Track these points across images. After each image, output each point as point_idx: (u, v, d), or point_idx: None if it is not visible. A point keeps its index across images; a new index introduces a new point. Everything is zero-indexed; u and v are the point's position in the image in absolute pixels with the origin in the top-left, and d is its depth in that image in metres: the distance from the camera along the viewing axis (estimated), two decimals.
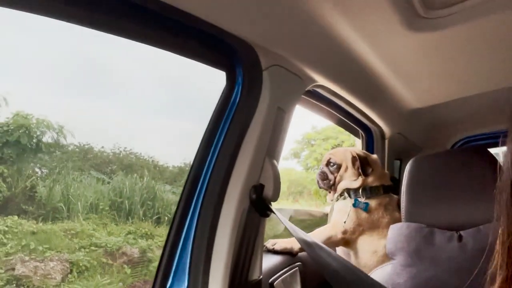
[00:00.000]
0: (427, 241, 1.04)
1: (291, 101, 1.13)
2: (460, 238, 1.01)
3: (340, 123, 1.86)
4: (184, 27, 0.87)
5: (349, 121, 1.72)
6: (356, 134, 1.94)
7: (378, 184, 1.57)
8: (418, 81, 1.45)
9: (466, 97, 1.64)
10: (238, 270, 1.00)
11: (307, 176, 10.39)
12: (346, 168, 1.62)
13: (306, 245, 0.90)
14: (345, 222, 1.50)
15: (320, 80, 1.20)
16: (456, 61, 1.29)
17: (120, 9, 0.77)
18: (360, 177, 1.58)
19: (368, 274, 1.16)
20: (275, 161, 1.07)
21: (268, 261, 1.25)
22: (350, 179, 1.60)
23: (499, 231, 0.39)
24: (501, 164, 0.42)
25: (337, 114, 1.62)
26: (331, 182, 1.65)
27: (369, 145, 1.89)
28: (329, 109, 1.54)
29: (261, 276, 1.07)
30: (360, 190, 1.56)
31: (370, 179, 1.58)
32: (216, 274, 0.96)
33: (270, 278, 1.18)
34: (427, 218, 1.09)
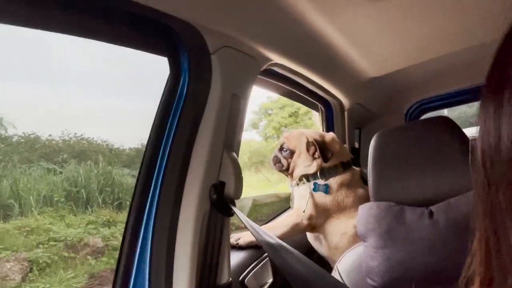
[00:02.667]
0: (398, 220, 1.01)
1: (246, 84, 1.02)
2: (431, 214, 0.99)
3: (298, 99, 1.79)
4: (116, 11, 0.73)
5: (307, 96, 1.65)
6: (315, 108, 1.88)
7: (336, 163, 1.52)
8: (375, 49, 1.39)
9: (421, 62, 1.62)
10: (205, 275, 0.92)
11: (267, 145, 10.44)
12: (300, 154, 1.55)
13: (270, 247, 0.82)
14: (304, 211, 1.45)
15: (276, 58, 1.10)
16: (413, 27, 1.23)
17: None
18: (315, 161, 1.52)
19: (340, 257, 1.13)
20: (234, 154, 0.97)
21: (236, 258, 1.18)
22: (304, 165, 1.54)
23: (477, 233, 0.34)
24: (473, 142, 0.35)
25: (295, 91, 1.54)
26: (283, 167, 1.60)
27: (328, 118, 1.85)
28: (285, 86, 1.46)
29: (231, 278, 0.99)
30: (318, 174, 1.50)
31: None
32: (180, 283, 0.87)
33: (240, 275, 1.11)
34: (396, 195, 1.06)
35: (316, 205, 1.46)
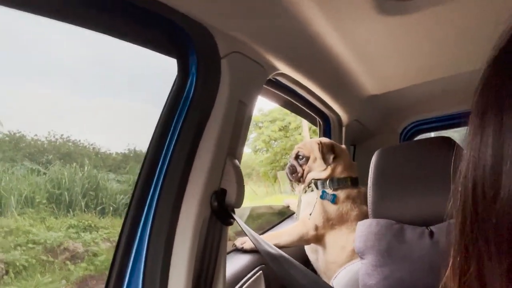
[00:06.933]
0: (398, 238, 1.00)
1: (253, 92, 1.01)
2: (431, 234, 0.98)
3: (298, 111, 1.79)
4: (126, 6, 0.71)
5: (308, 109, 1.64)
6: (313, 121, 1.87)
7: (346, 176, 1.54)
8: (378, 66, 1.40)
9: (421, 83, 1.64)
10: (200, 284, 0.88)
11: (256, 158, 10.42)
12: (315, 159, 1.59)
13: (272, 258, 0.80)
14: (310, 214, 1.45)
15: (282, 67, 1.09)
16: (418, 46, 1.24)
17: None
18: (329, 166, 1.55)
19: (336, 274, 1.11)
20: (237, 161, 0.95)
21: (231, 269, 1.14)
22: (318, 170, 1.57)
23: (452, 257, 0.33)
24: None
25: (296, 102, 1.53)
26: (299, 175, 1.63)
27: (326, 133, 1.84)
28: (287, 97, 1.45)
29: None
30: (328, 181, 1.52)
31: (338, 170, 1.54)
32: None
33: (234, 286, 1.08)
34: (396, 213, 1.05)
35: (321, 214, 1.46)
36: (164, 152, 0.87)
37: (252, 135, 10.54)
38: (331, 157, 1.55)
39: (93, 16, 0.73)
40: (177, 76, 0.88)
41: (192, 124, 0.87)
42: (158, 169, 0.86)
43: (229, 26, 0.84)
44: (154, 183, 0.86)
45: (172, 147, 0.87)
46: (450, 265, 0.33)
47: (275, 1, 0.83)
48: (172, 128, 0.87)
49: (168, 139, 0.87)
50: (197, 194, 0.85)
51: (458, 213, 0.32)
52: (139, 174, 0.86)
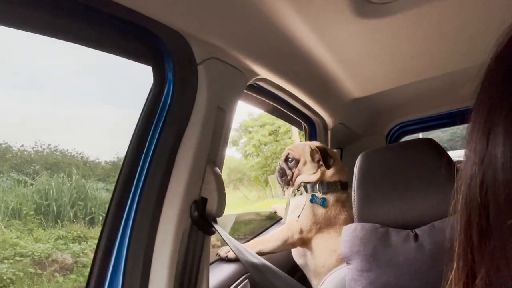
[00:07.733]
0: (383, 242, 0.99)
1: (232, 98, 0.99)
2: (416, 237, 0.97)
3: (282, 116, 1.78)
4: (100, 14, 0.69)
5: (292, 114, 1.64)
6: (298, 126, 1.86)
7: (336, 180, 1.53)
8: (360, 70, 1.39)
9: (404, 85, 1.64)
10: None
11: (246, 162, 10.41)
12: (305, 162, 1.57)
13: (254, 268, 0.78)
14: (298, 216, 1.44)
15: (263, 73, 1.08)
16: (399, 48, 1.24)
17: None
18: (319, 170, 1.53)
19: (323, 280, 1.09)
20: (217, 169, 0.93)
21: (214, 280, 1.12)
22: (308, 173, 1.55)
23: (455, 262, 0.33)
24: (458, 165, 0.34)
25: (279, 107, 1.52)
26: (288, 178, 1.61)
27: (312, 137, 1.83)
28: (271, 102, 1.43)
29: None
30: (317, 185, 1.51)
31: (328, 174, 1.53)
32: None
33: None
34: (380, 216, 1.04)
35: (309, 217, 1.45)
36: (141, 161, 0.85)
37: (242, 140, 10.54)
38: (331, 161, 1.55)
39: (66, 27, 0.71)
40: (153, 83, 0.86)
41: (170, 132, 0.85)
42: (135, 179, 0.84)
43: (205, 32, 0.83)
44: (131, 194, 0.84)
45: (150, 156, 0.85)
46: (454, 267, 0.32)
47: (252, 7, 0.82)
48: (149, 137, 0.85)
49: (145, 148, 0.85)
50: (177, 204, 0.83)
51: (462, 215, 0.31)
52: (116, 184, 0.84)
